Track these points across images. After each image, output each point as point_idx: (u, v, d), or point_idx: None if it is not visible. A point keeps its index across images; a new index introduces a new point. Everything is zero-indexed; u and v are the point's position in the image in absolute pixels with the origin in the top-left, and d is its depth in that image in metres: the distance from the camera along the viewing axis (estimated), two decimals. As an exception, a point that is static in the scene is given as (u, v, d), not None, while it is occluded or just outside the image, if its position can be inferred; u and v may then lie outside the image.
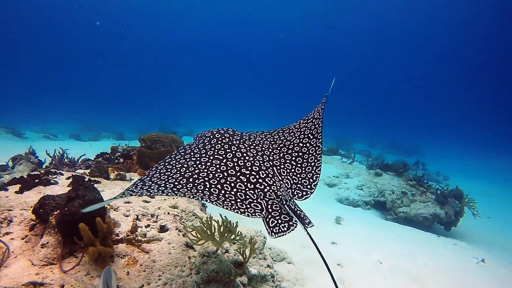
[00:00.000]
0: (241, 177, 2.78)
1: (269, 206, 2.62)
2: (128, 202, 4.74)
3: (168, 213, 4.65)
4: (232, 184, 2.70)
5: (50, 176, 5.40)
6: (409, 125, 54.03)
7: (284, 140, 3.47)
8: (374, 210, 11.73)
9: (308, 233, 2.30)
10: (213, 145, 3.10)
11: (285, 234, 2.43)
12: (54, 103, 41.06)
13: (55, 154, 6.50)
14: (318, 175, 3.12)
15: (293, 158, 3.28)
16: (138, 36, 70.72)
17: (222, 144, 3.10)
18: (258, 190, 2.72)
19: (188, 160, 2.91)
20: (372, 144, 33.94)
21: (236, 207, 2.53)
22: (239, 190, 2.68)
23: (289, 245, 6.76)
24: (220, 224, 3.98)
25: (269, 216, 2.55)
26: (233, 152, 3.01)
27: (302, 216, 2.57)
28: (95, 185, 5.22)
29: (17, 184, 5.06)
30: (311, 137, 3.39)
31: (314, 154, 3.28)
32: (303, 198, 2.93)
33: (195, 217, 4.98)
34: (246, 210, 2.54)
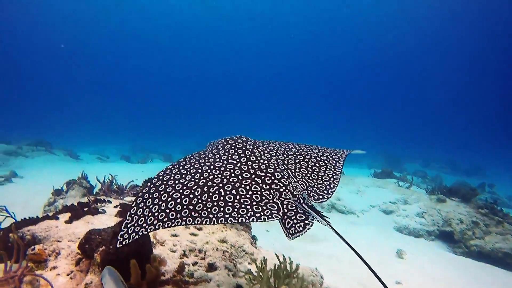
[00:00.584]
0: (256, 178, 2.79)
1: (285, 206, 2.59)
2: (176, 235, 4.51)
3: (217, 248, 4.32)
4: (248, 187, 2.69)
5: (98, 204, 5.36)
6: (467, 141, 49.86)
7: (300, 150, 3.48)
8: (439, 241, 10.52)
9: (332, 228, 2.27)
10: (227, 150, 3.13)
11: (301, 234, 2.39)
12: (107, 126, 43.93)
13: (105, 180, 6.54)
14: (336, 185, 3.07)
15: (309, 166, 3.27)
16: (182, 59, 74.14)
17: (236, 149, 3.13)
18: (274, 190, 2.71)
19: (202, 165, 2.89)
20: (426, 163, 31.51)
21: (252, 213, 2.46)
22: (255, 192, 2.66)
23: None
24: (276, 267, 3.54)
25: (285, 217, 2.51)
26: (247, 156, 3.03)
27: (320, 214, 2.48)
28: (142, 214, 5.06)
29: (67, 212, 5.06)
30: (330, 158, 3.38)
31: (333, 169, 3.25)
32: (319, 201, 2.87)
33: (245, 253, 4.60)
34: (262, 214, 2.48)
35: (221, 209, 2.45)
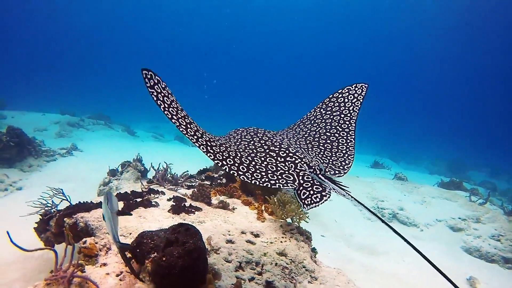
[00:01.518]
0: (270, 152, 2.89)
1: (301, 178, 2.64)
2: (231, 242, 4.18)
3: (276, 263, 3.91)
4: (262, 158, 2.79)
5: (151, 195, 5.20)
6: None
7: (308, 131, 3.54)
8: (520, 272, 9.22)
9: (354, 199, 2.31)
10: (240, 133, 3.32)
11: (318, 205, 2.41)
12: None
13: (159, 168, 6.42)
14: (351, 161, 3.10)
15: (321, 145, 3.34)
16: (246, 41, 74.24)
17: (248, 132, 3.33)
18: (289, 162, 2.78)
19: (225, 143, 3.00)
20: (494, 173, 27.97)
21: (267, 179, 2.56)
22: (270, 163, 2.77)
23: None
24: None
25: (301, 188, 2.55)
26: (259, 137, 3.19)
27: (338, 185, 2.50)
28: (196, 212, 4.82)
29: (121, 200, 4.96)
30: (340, 129, 3.38)
31: (345, 142, 3.28)
32: (336, 176, 2.87)
33: (306, 270, 4.14)
34: (277, 182, 2.56)
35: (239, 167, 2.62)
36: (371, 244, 9.02)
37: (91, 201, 4.88)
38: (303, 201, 2.48)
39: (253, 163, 2.72)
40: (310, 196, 2.50)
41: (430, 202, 12.86)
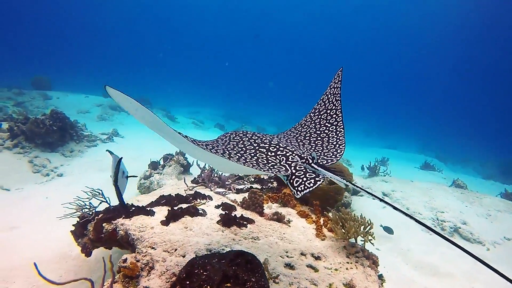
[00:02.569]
0: (260, 149, 2.96)
1: (293, 168, 2.69)
2: (291, 267, 3.58)
3: (345, 300, 3.26)
4: (252, 154, 2.88)
5: (198, 200, 4.71)
6: None
7: (298, 132, 3.65)
8: None
9: (348, 181, 2.45)
10: (228, 136, 3.34)
11: (311, 190, 2.44)
12: (201, 88, 45.96)
13: (205, 167, 5.92)
14: (343, 149, 3.21)
15: (311, 142, 3.44)
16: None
17: (237, 134, 3.33)
18: (280, 155, 2.85)
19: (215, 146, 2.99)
20: None
21: (259, 168, 2.62)
22: (260, 158, 2.83)
23: None
24: None
25: (293, 177, 2.59)
26: (249, 137, 3.23)
27: (332, 171, 2.63)
28: (249, 226, 4.27)
29: (164, 205, 4.53)
30: (329, 125, 3.51)
31: (336, 136, 3.39)
32: (329, 164, 2.92)
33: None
34: (269, 171, 2.61)
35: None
36: (432, 262, 8.07)
37: (131, 204, 4.48)
38: (295, 188, 2.49)
39: (243, 158, 2.77)
40: (303, 182, 2.52)
41: (496, 217, 11.47)
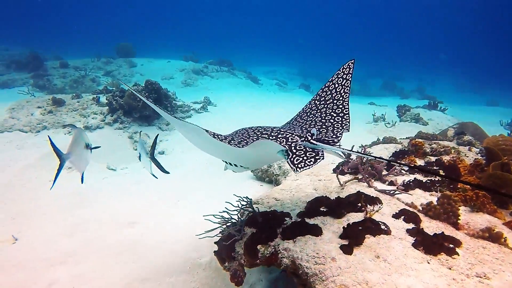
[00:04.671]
0: (262, 135, 3.08)
1: (293, 147, 2.79)
2: None
3: None
4: (255, 139, 3.01)
5: (370, 207, 3.55)
6: None
7: (304, 121, 3.67)
8: None
9: (345, 151, 2.73)
10: (235, 131, 3.44)
11: (311, 166, 2.54)
12: (275, 47, 44.29)
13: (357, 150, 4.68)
14: (345, 128, 3.34)
15: (317, 129, 3.40)
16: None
17: (243, 128, 3.46)
18: (281, 137, 2.95)
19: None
20: None
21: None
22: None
23: None
24: None
25: (294, 156, 2.69)
26: (253, 128, 3.34)
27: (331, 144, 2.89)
28: (459, 251, 3.00)
29: (327, 215, 3.45)
30: (335, 115, 3.55)
31: (340, 124, 3.43)
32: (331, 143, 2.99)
33: None
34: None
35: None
36: None
37: (282, 212, 3.48)
38: (295, 165, 2.56)
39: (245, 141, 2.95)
40: (303, 161, 2.58)
41: None
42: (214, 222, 3.51)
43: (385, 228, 3.20)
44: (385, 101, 18.89)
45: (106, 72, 17.87)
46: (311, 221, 3.41)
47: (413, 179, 4.38)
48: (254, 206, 4.47)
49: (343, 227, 3.13)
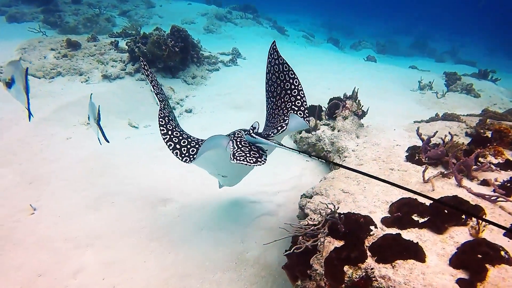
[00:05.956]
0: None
1: (238, 142, 2.94)
2: None
3: None
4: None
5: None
6: None
7: (272, 125, 3.56)
8: None
9: (278, 143, 2.83)
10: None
11: (249, 165, 2.61)
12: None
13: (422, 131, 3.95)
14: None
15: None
16: None
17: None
18: (231, 133, 3.18)
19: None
20: None
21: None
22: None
23: None
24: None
25: (238, 151, 2.80)
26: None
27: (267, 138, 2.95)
28: None
29: (425, 227, 2.84)
30: (296, 108, 3.57)
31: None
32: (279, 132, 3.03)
33: None
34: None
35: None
36: None
37: (373, 224, 2.84)
38: (234, 156, 2.69)
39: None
40: (245, 157, 2.69)
41: None
42: (287, 230, 2.87)
43: (506, 256, 2.55)
44: (419, 63, 17.51)
45: (121, 11, 16.64)
46: (403, 234, 2.78)
47: (509, 178, 3.68)
48: (316, 196, 3.86)
49: (456, 251, 2.49)
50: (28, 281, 3.43)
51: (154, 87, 3.24)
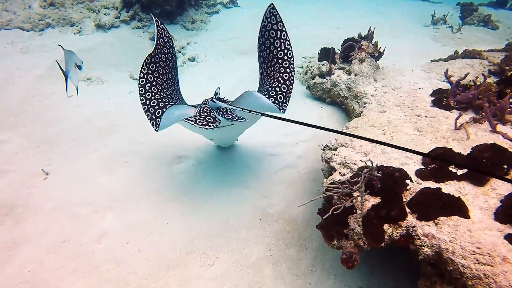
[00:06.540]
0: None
1: (201, 109, 3.34)
2: None
3: None
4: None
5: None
6: None
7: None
8: None
9: (237, 107, 2.86)
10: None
11: (205, 128, 3.01)
12: None
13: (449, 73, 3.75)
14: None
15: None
16: None
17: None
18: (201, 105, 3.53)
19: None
20: None
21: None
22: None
23: None
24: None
25: (201, 117, 3.16)
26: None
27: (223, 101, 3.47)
28: None
29: (459, 179, 2.74)
30: (282, 81, 3.58)
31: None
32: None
33: None
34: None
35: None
36: None
37: (409, 177, 2.74)
38: (195, 121, 3.03)
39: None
40: (204, 119, 3.10)
41: None
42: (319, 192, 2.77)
43: None
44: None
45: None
46: (442, 187, 2.69)
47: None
48: (341, 148, 3.74)
49: (500, 204, 2.42)
50: (55, 247, 3.43)
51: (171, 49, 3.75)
